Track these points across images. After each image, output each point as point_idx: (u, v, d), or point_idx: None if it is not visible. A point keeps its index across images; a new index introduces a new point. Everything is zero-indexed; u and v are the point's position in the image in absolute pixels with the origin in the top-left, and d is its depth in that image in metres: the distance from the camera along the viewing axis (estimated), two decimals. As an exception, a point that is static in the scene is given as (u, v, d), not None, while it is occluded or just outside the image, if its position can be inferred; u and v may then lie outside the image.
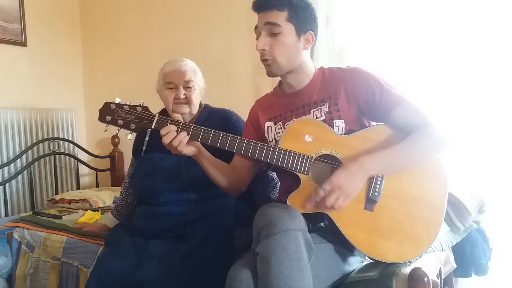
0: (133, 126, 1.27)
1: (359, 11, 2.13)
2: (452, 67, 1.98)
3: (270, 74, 1.37)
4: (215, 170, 1.38)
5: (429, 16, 2.00)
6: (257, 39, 1.34)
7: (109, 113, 1.27)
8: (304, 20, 1.32)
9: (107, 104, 1.28)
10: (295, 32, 1.32)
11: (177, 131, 1.25)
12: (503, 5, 1.87)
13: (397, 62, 2.09)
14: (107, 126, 1.29)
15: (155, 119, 1.27)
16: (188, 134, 1.26)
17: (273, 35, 1.31)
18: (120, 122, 1.27)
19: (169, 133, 1.24)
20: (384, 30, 2.10)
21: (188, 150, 1.29)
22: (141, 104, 1.29)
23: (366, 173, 1.22)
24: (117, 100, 1.28)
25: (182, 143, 1.25)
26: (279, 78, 1.45)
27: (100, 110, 1.28)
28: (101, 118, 1.27)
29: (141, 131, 1.30)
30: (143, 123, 1.27)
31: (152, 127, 1.27)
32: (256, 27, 1.35)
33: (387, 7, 2.08)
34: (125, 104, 1.28)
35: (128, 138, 1.32)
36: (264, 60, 1.34)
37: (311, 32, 1.35)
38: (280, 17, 1.29)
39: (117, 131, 1.31)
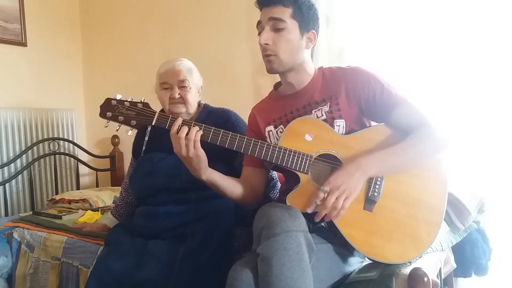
0: (133, 122, 1.27)
1: (359, 12, 2.12)
2: (452, 68, 1.98)
3: (271, 70, 1.35)
4: (225, 179, 1.34)
5: (429, 17, 1.99)
6: (259, 34, 1.33)
7: (110, 109, 1.27)
8: (307, 19, 1.32)
9: (108, 100, 1.28)
10: (298, 30, 1.31)
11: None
12: (502, 5, 1.87)
13: (397, 63, 2.08)
14: (108, 122, 1.29)
15: (156, 115, 1.27)
16: (188, 131, 1.24)
17: (277, 30, 1.30)
18: (121, 118, 1.27)
19: (182, 128, 1.22)
20: (384, 31, 2.09)
21: (201, 151, 1.24)
22: (142, 101, 1.29)
23: (364, 173, 1.21)
24: (118, 96, 1.28)
25: (196, 141, 1.22)
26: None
27: (101, 106, 1.28)
28: (102, 114, 1.28)
29: (141, 128, 1.30)
30: (143, 119, 1.27)
31: (153, 123, 1.27)
32: (259, 22, 1.34)
33: (387, 8, 2.08)
34: (126, 101, 1.28)
35: (128, 134, 1.32)
36: (266, 56, 1.32)
37: (314, 31, 1.35)
38: (285, 13, 1.29)
39: (118, 127, 1.31)
